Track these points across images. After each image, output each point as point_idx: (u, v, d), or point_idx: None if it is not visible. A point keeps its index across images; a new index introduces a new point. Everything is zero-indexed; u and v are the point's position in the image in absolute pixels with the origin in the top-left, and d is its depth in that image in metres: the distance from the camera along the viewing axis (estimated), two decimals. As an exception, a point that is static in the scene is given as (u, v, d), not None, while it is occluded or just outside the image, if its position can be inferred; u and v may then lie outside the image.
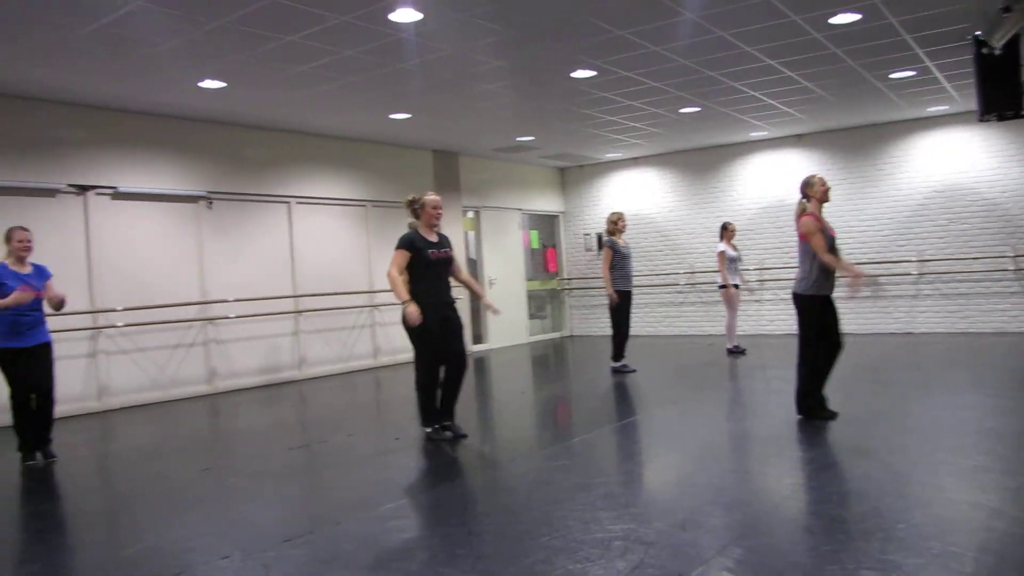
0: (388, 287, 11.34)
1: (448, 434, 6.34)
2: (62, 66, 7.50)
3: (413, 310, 5.94)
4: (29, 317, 6.24)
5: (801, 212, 6.28)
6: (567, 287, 16.37)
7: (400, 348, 11.62)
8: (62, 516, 5.15)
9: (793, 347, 6.35)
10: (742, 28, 7.37)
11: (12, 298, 6.00)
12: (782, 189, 13.31)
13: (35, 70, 7.58)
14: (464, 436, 6.36)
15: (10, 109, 8.42)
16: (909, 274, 12.49)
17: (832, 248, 6.18)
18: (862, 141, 12.93)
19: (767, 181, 13.77)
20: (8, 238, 6.29)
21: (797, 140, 13.45)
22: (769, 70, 8.90)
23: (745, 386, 8.80)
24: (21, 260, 6.29)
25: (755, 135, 13.28)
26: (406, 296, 6.02)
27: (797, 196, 6.43)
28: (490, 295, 14.09)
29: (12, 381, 6.27)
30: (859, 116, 12.07)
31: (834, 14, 7.13)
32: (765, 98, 10.37)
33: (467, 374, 6.45)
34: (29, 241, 6.34)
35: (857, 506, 4.14)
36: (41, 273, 6.42)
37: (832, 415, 6.23)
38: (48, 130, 8.74)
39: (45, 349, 6.38)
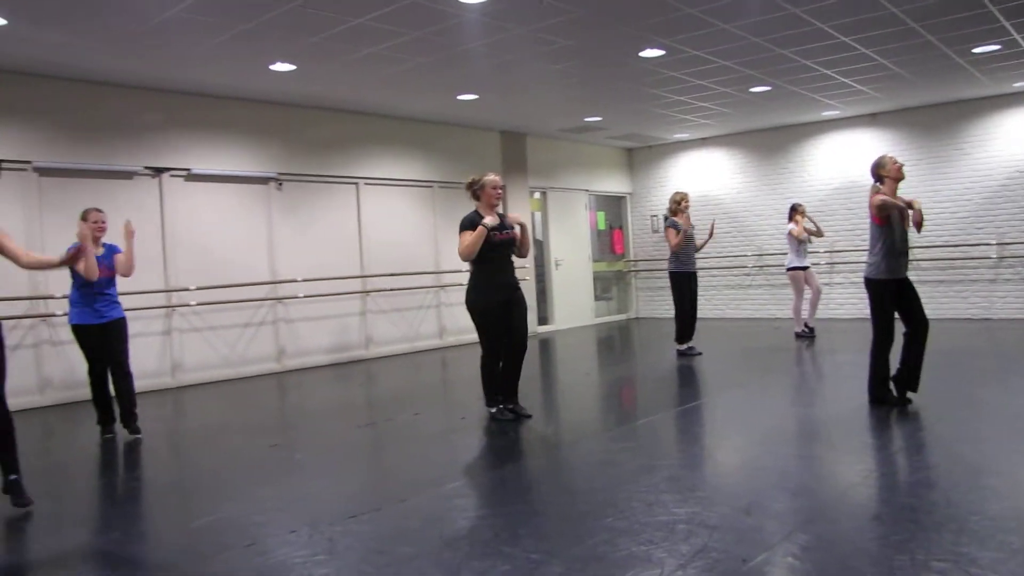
0: (454, 268, 11.54)
1: (511, 415, 6.37)
2: (139, 52, 7.70)
3: (490, 219, 6.01)
4: (104, 295, 6.46)
5: (875, 195, 6.11)
6: (633, 269, 16.27)
7: (465, 328, 11.66)
8: (138, 487, 5.33)
9: (863, 331, 6.21)
10: (816, 4, 7.18)
11: (84, 265, 6.10)
12: (854, 170, 12.97)
13: (113, 57, 7.81)
14: (528, 416, 6.38)
15: (90, 95, 8.69)
16: (988, 258, 12.08)
17: (905, 232, 6.01)
18: (940, 119, 12.50)
19: (838, 162, 13.44)
20: (84, 219, 6.49)
21: (871, 119, 13.08)
22: (843, 47, 8.66)
23: (813, 370, 8.65)
24: (96, 241, 6.49)
25: (827, 114, 12.96)
26: (489, 223, 6.06)
27: (869, 179, 6.22)
28: (556, 276, 14.13)
29: (89, 356, 6.50)
30: (937, 93, 11.66)
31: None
32: (838, 76, 10.11)
33: (529, 355, 6.45)
34: (103, 222, 6.52)
35: (929, 495, 4.05)
36: (111, 251, 6.62)
37: (906, 402, 6.08)
38: (126, 115, 8.99)
39: (119, 324, 6.57)
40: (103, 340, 6.45)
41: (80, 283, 6.34)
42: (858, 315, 12.53)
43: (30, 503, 4.55)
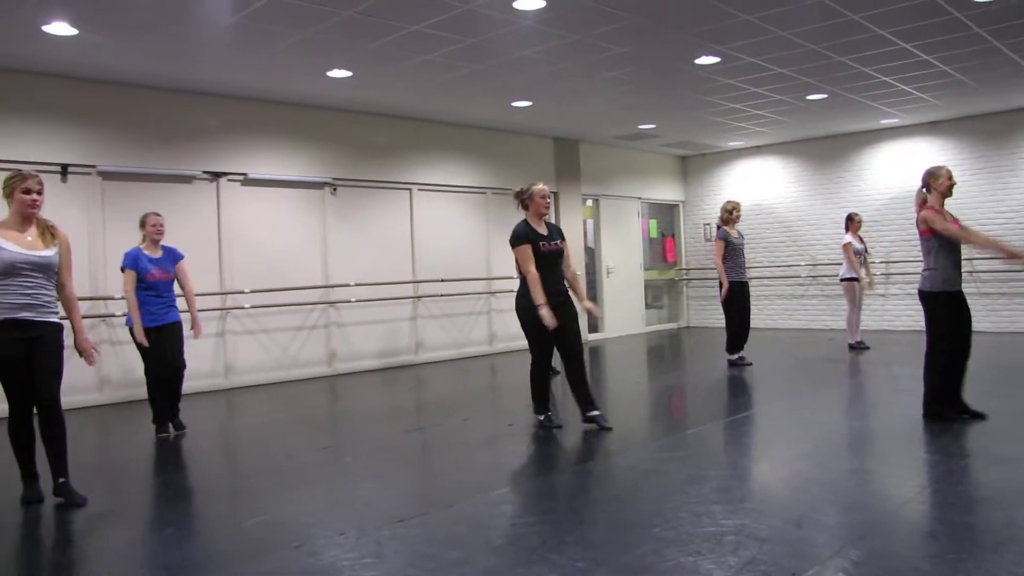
0: (505, 274, 11.56)
1: (593, 425, 6.23)
2: (200, 60, 7.88)
3: (548, 315, 5.93)
4: (161, 298, 6.65)
5: (922, 203, 5.98)
6: (685, 277, 16.14)
7: (515, 335, 11.68)
8: (191, 486, 5.43)
9: (919, 344, 6.08)
10: (876, 10, 7.06)
11: (138, 334, 6.55)
12: (912, 179, 12.65)
13: (174, 64, 8.00)
14: (608, 429, 6.18)
15: (152, 101, 8.90)
16: (1052, 270, 11.76)
17: (959, 244, 5.89)
18: (1003, 127, 12.19)
19: (896, 170, 13.17)
20: (143, 223, 6.70)
21: (931, 127, 12.82)
22: (903, 54, 8.51)
23: (868, 383, 8.49)
24: (155, 244, 6.68)
25: (885, 122, 12.73)
26: (543, 299, 5.98)
27: (919, 186, 6.11)
28: (607, 284, 14.07)
29: (146, 357, 6.67)
30: (1001, 101, 11.39)
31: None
32: (898, 83, 9.93)
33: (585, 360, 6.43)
34: (161, 226, 6.72)
35: (988, 514, 3.95)
36: (172, 255, 6.79)
37: (964, 417, 5.94)
38: (186, 120, 9.20)
39: (176, 327, 6.75)
40: (161, 342, 6.62)
41: (138, 286, 6.54)
42: (914, 327, 12.27)
43: (84, 502, 4.68)
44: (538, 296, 5.99)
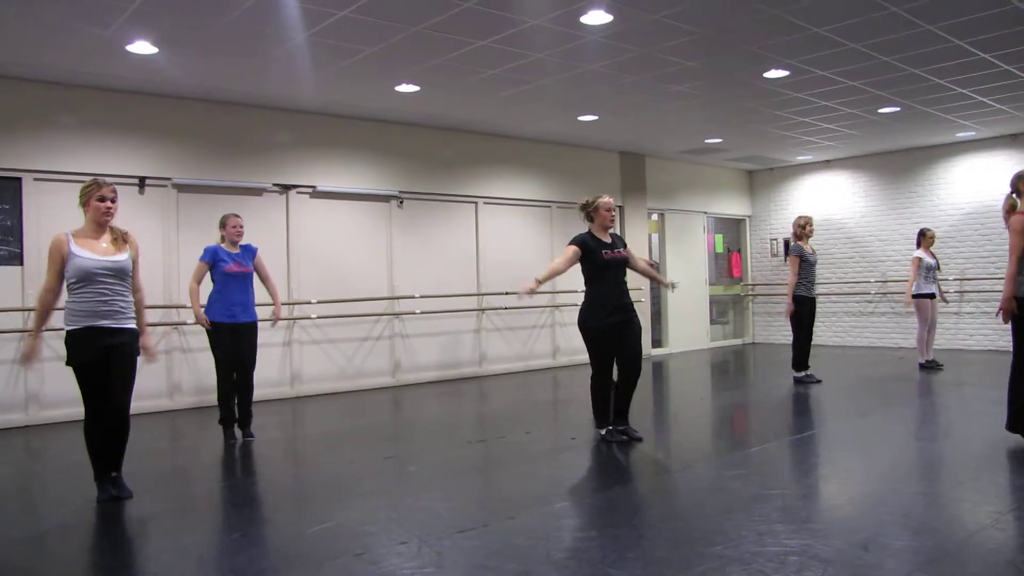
0: (569, 288, 11.58)
1: (623, 437, 6.32)
2: (271, 76, 8.08)
3: (526, 285, 5.95)
4: (239, 298, 6.81)
5: (1011, 209, 5.79)
6: (751, 293, 15.93)
7: (579, 349, 11.64)
8: (257, 491, 5.52)
9: (994, 364, 5.88)
10: (953, 20, 6.89)
11: (198, 317, 6.82)
12: (990, 194, 12.35)
13: (247, 79, 8.21)
14: (639, 439, 6.32)
15: (224, 115, 9.16)
16: None
17: None
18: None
19: (972, 185, 12.82)
20: (223, 224, 6.91)
21: (1011, 140, 12.43)
22: (982, 64, 8.29)
23: (940, 403, 8.25)
24: (234, 244, 6.88)
25: (961, 135, 12.40)
26: (543, 277, 6.04)
27: (1008, 191, 5.91)
28: (672, 298, 13.93)
29: (220, 356, 6.81)
30: (1086, 113, 11.02)
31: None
32: (975, 95, 9.67)
33: (642, 377, 6.40)
34: (241, 227, 6.95)
35: (1066, 541, 3.81)
36: (249, 250, 6.98)
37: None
38: (257, 134, 9.43)
39: (252, 328, 6.91)
40: (237, 342, 6.78)
41: (216, 280, 6.75)
42: (989, 347, 11.91)
43: (131, 495, 4.98)
44: (546, 276, 6.06)
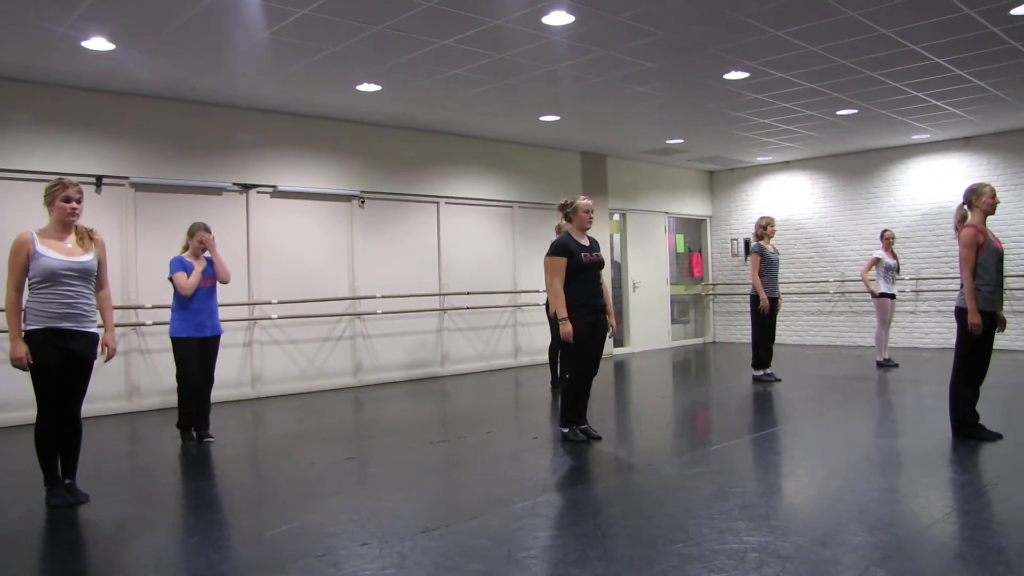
0: (531, 288, 11.61)
1: (582, 436, 6.34)
2: (231, 74, 7.99)
3: (570, 330, 6.00)
4: (206, 307, 6.73)
5: (962, 219, 5.92)
6: (712, 293, 16.07)
7: (540, 348, 11.70)
8: (216, 494, 5.46)
9: (948, 362, 6.00)
10: (908, 25, 7.02)
11: (194, 276, 6.61)
12: (944, 195, 12.59)
13: (206, 78, 8.12)
14: (598, 438, 6.36)
15: (183, 114, 9.03)
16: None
17: (999, 262, 5.82)
18: (1039, 144, 12.06)
19: (928, 187, 13.06)
20: (191, 233, 6.77)
21: (964, 143, 12.69)
22: (936, 68, 8.44)
23: (896, 401, 8.39)
24: (197, 256, 6.75)
25: (917, 138, 12.63)
26: (565, 313, 6.05)
27: (960, 202, 6.05)
28: (633, 299, 14.03)
29: (184, 368, 6.72)
30: (1037, 117, 11.27)
31: (1017, 4, 6.57)
32: (930, 99, 9.85)
33: (604, 377, 6.43)
34: (207, 243, 6.77)
35: (1018, 537, 3.88)
36: (209, 261, 6.85)
37: (994, 436, 5.87)
38: (217, 133, 9.32)
39: (216, 341, 6.87)
40: (202, 355, 6.75)
41: (179, 295, 6.65)
42: (945, 345, 12.14)
43: (87, 499, 4.92)
44: (561, 309, 6.03)
